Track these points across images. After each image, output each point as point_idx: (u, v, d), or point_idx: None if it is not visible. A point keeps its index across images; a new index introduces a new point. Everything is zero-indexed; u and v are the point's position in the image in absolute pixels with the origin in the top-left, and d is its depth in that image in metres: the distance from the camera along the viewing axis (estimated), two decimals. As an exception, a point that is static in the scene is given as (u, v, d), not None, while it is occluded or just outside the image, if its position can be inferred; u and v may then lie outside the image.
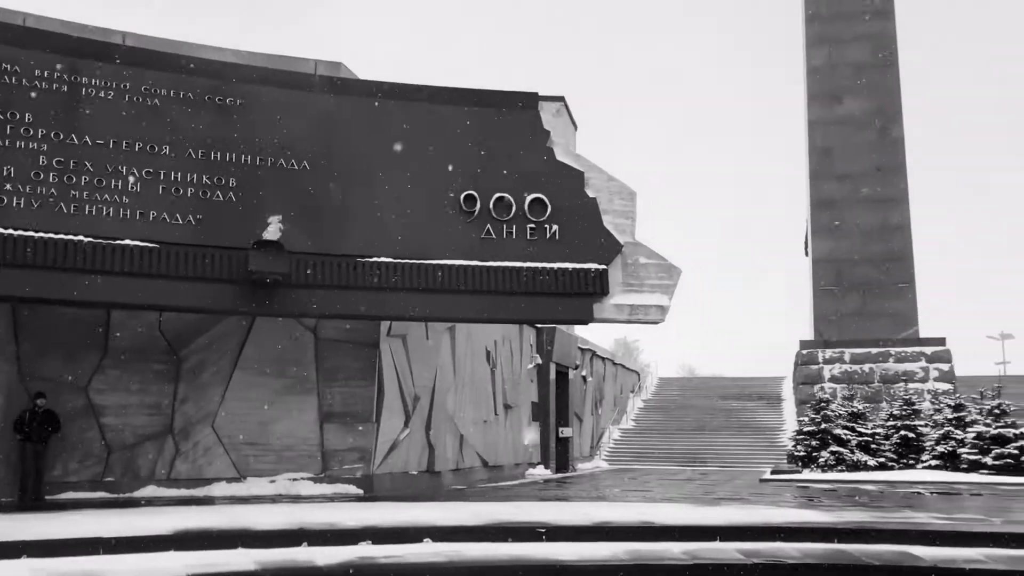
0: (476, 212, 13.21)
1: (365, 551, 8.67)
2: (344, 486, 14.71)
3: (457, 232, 13.12)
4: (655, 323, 13.69)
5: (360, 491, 14.67)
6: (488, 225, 13.24)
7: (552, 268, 13.17)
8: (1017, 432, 21.00)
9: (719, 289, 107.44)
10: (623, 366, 39.42)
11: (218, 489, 14.13)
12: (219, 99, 12.76)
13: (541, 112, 13.90)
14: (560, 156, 13.78)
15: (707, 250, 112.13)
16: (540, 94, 13.99)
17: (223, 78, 12.90)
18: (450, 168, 13.38)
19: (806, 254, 35.73)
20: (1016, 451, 20.68)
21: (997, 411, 21.73)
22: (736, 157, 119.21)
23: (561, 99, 14.16)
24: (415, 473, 16.78)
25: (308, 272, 12.37)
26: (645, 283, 13.60)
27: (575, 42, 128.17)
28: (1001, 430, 21.13)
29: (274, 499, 13.48)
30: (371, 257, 12.69)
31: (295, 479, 14.68)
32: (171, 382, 14.54)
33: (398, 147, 13.32)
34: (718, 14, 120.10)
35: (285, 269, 12.13)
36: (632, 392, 40.17)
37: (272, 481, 14.56)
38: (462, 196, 13.23)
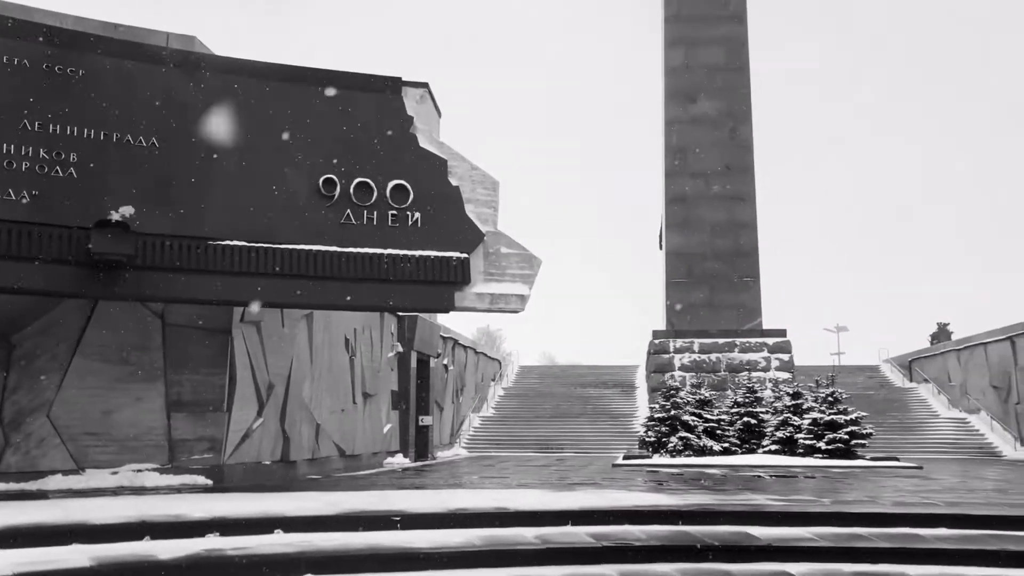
0: (336, 197, 12.95)
1: (212, 543, 8.38)
2: (192, 477, 14.16)
3: (315, 216, 12.83)
4: (515, 312, 13.83)
5: (209, 482, 14.16)
6: (348, 210, 13.01)
7: (413, 256, 13.08)
8: (848, 418, 22.52)
9: (581, 279, 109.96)
10: (485, 355, 39.73)
11: (53, 482, 13.29)
12: (59, 68, 11.93)
13: (405, 98, 13.76)
14: (423, 143, 13.69)
15: (569, 240, 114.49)
16: (404, 79, 13.85)
17: (62, 46, 12.08)
18: (309, 151, 13.05)
19: (660, 248, 37.05)
20: (846, 436, 22.17)
21: (831, 399, 23.22)
22: (598, 151, 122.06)
23: (425, 85, 14.07)
24: (269, 463, 16.36)
25: (155, 254, 11.79)
26: (506, 272, 13.71)
27: (443, 36, 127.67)
28: (834, 416, 22.60)
29: (116, 491, 12.82)
30: (223, 240, 12.23)
31: (139, 470, 14.00)
32: (1, 369, 13.58)
33: (255, 127, 12.89)
34: (587, 13, 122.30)
35: (130, 251, 11.52)
36: (493, 380, 40.56)
37: (114, 473, 13.84)
38: (321, 180, 12.93)
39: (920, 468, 20.18)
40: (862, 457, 22.13)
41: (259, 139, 12.89)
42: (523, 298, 13.64)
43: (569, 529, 9.57)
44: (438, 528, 9.37)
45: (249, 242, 12.35)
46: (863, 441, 22.50)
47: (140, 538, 8.38)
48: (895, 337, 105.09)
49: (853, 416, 22.66)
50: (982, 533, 9.37)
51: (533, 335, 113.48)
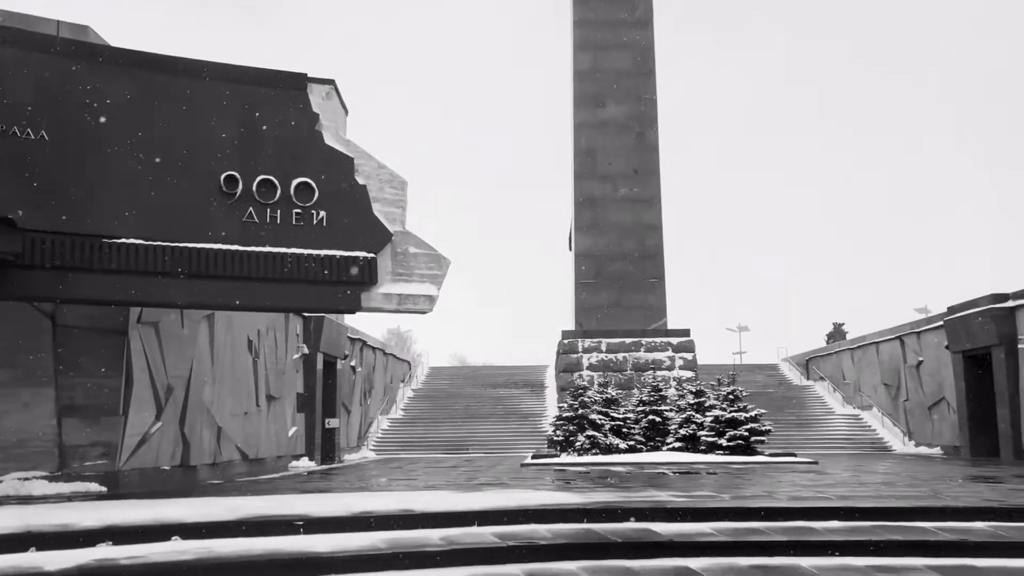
0: (238, 194, 12.62)
1: (104, 553, 8.06)
2: (85, 484, 13.60)
3: (216, 214, 12.48)
4: (423, 312, 13.75)
5: (104, 489, 13.63)
6: (251, 208, 12.70)
7: (319, 255, 12.87)
8: (748, 416, 23.17)
9: (493, 280, 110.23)
10: (394, 356, 39.41)
11: (-70, 493, 12.59)
12: (-63, 54, 11.31)
13: (310, 94, 13.51)
14: (329, 140, 13.48)
15: (481, 241, 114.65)
16: (309, 76, 13.60)
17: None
18: (210, 147, 12.69)
19: (570, 249, 37.43)
20: (746, 433, 22.81)
21: (732, 397, 23.85)
22: (509, 152, 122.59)
23: (331, 82, 13.84)
24: (167, 468, 15.84)
25: (44, 252, 11.28)
26: (415, 273, 13.61)
27: (349, 35, 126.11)
28: (735, 414, 23.22)
29: (0, 501, 12.20)
30: (118, 238, 11.78)
31: (26, 478, 13.37)
32: None
33: (152, 121, 12.45)
34: (500, 17, 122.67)
35: (16, 248, 11.00)
36: (403, 382, 40.26)
37: (-2, 481, 13.19)
38: (222, 177, 12.58)
39: (816, 463, 20.92)
40: (761, 453, 22.80)
41: (157, 133, 12.45)
42: (431, 298, 13.57)
43: (475, 530, 9.57)
44: (342, 532, 9.24)
45: (145, 240, 11.94)
46: (762, 438, 23.19)
47: (25, 549, 8.00)
48: (794, 336, 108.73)
49: (753, 413, 23.33)
50: (871, 524, 9.76)
51: (445, 336, 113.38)
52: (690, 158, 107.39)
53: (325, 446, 25.90)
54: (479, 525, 9.71)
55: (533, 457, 23.52)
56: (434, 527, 9.55)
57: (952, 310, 27.07)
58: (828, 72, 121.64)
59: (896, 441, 31.74)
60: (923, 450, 29.51)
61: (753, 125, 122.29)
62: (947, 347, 27.25)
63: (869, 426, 33.93)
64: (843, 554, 8.87)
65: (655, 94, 36.56)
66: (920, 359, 30.50)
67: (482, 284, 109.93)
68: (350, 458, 27.90)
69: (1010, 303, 24.29)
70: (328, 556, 8.24)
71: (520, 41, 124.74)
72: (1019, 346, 23.70)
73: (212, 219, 12.43)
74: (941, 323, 27.81)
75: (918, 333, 30.77)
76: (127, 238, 11.84)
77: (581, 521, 9.99)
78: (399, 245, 13.47)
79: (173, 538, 8.69)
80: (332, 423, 26.22)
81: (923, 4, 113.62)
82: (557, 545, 8.94)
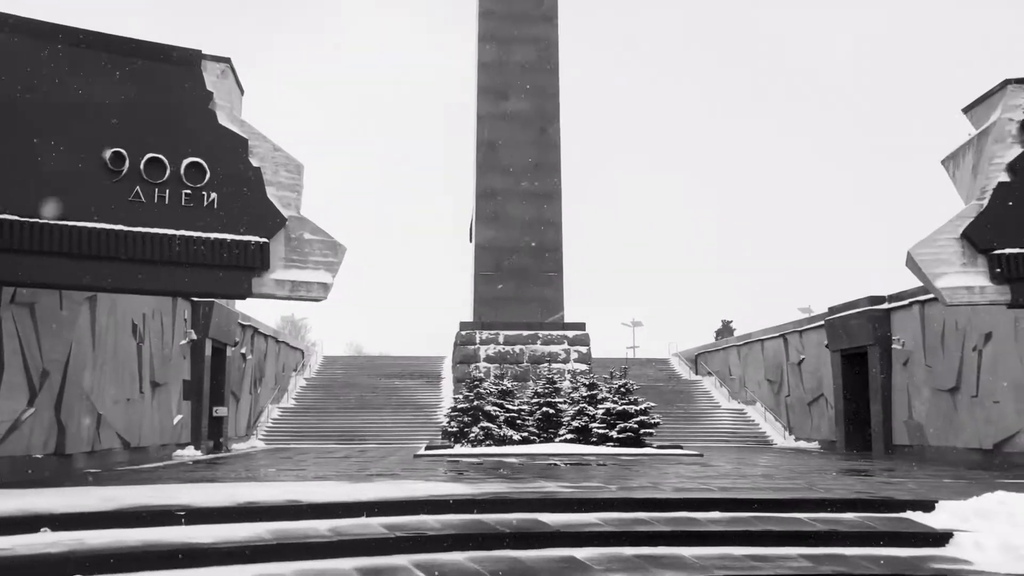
0: (124, 172, 12.09)
1: (-36, 546, 7.63)
2: (-53, 474, 12.84)
3: (100, 192, 11.92)
4: (317, 300, 13.49)
5: (-32, 478, 12.89)
6: (138, 187, 12.19)
7: (208, 238, 12.47)
8: (638, 409, 23.72)
9: (392, 270, 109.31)
10: (287, 344, 38.59)
11: None
12: None
13: (204, 72, 13.06)
14: (223, 120, 13.06)
15: (381, 231, 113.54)
16: (204, 52, 13.15)
17: None
18: (96, 121, 12.11)
19: (470, 241, 37.47)
20: (636, 425, 23.36)
21: (623, 390, 24.36)
22: (411, 140, 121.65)
23: (227, 61, 13.41)
24: (40, 456, 15.08)
25: (-93, 225, 10.57)
26: (309, 259, 13.34)
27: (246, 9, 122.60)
28: (625, 406, 23.73)
29: None
30: (-8, 213, 11.14)
31: None
32: None
33: (32, 92, 11.81)
34: (407, 5, 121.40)
35: None
36: (295, 371, 39.48)
37: None
38: (108, 153, 12.03)
39: (701, 456, 21.57)
40: (650, 445, 23.38)
41: (37, 105, 11.82)
42: (326, 286, 13.33)
43: (364, 520, 9.48)
44: (225, 523, 9.01)
45: (21, 216, 11.33)
46: (651, 430, 23.79)
47: None
48: (686, 332, 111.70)
49: (643, 407, 23.89)
50: (750, 515, 10.14)
51: (342, 326, 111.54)
52: (590, 153, 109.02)
53: (212, 435, 25.18)
54: (368, 516, 9.62)
55: (427, 448, 23.46)
56: (322, 518, 9.42)
57: (832, 311, 28.31)
58: (727, 69, 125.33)
59: (777, 435, 33.01)
60: (802, 444, 30.79)
61: (653, 122, 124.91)
62: (827, 346, 28.48)
63: (753, 420, 35.18)
64: (723, 544, 9.18)
65: (558, 90, 36.89)
66: (802, 357, 31.80)
67: (381, 274, 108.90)
68: (238, 447, 27.21)
69: (885, 305, 25.56)
70: (210, 547, 8.02)
71: (428, 32, 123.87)
72: (893, 346, 24.98)
73: (95, 197, 11.87)
74: (822, 323, 29.05)
75: (800, 332, 32.07)
76: (3, 214, 11.20)
77: (471, 512, 10.01)
78: (293, 231, 13.18)
79: (42, 529, 8.31)
80: (220, 411, 25.51)
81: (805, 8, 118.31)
82: (446, 536, 8.94)
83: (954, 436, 22.09)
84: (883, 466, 18.38)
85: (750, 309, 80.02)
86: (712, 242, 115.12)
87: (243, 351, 29.40)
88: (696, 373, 43.59)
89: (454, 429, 24.11)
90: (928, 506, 10.29)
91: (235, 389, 28.40)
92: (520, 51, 36.81)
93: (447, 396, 35.06)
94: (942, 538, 9.27)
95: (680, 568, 8.33)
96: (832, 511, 10.40)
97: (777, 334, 34.37)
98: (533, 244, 35.59)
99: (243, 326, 29.15)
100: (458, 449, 22.76)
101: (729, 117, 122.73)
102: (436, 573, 7.95)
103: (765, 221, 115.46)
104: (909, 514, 10.19)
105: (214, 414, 25.16)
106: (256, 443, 29.58)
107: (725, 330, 53.45)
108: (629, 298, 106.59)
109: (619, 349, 60.19)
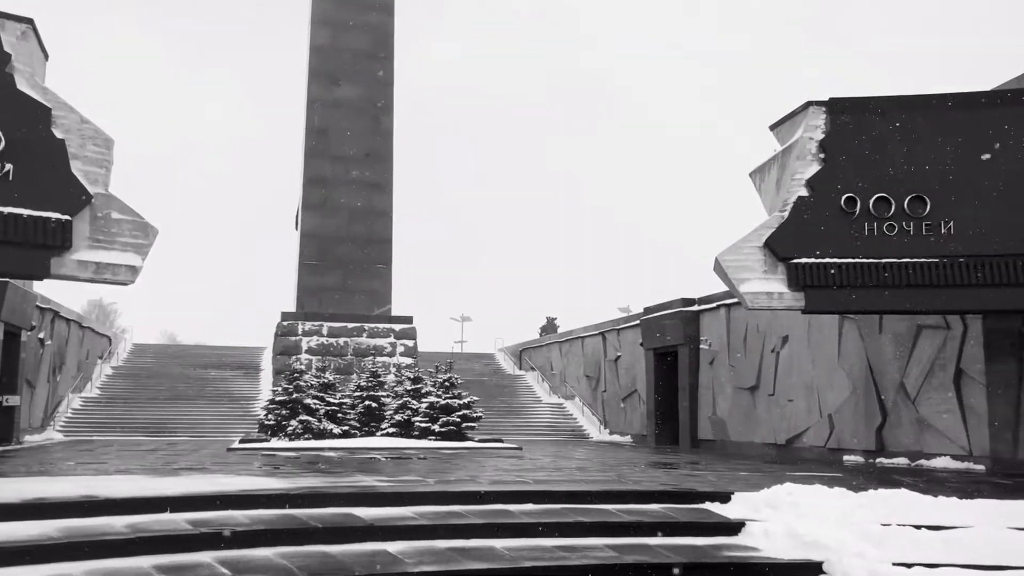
0: (-98, 135, 10.94)
1: None
2: None
3: None
4: (124, 284, 12.73)
5: None
6: (-82, 153, 11.06)
7: (2, 212, 11.49)
8: (461, 403, 23.89)
9: (212, 256, 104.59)
10: (92, 329, 36.16)
11: None
12: None
13: (2, 31, 12.02)
14: (23, 86, 12.07)
15: (201, 215, 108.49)
16: (2, 10, 12.09)
17: None
18: None
19: (296, 228, 36.46)
20: (459, 419, 23.52)
21: (448, 384, 24.46)
22: (233, 121, 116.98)
23: (30, 21, 12.39)
24: None
25: None
26: (116, 240, 12.56)
27: None
28: (449, 400, 23.84)
29: None
30: None
31: None
32: None
33: None
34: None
35: None
36: (101, 358, 37.07)
37: None
38: None
39: (520, 449, 22.01)
40: (472, 439, 23.61)
41: None
42: (134, 269, 12.61)
43: (166, 516, 9.03)
44: (10, 520, 8.32)
45: None
46: (474, 424, 24.03)
47: None
48: (514, 328, 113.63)
49: (466, 400, 24.08)
50: (561, 507, 10.43)
51: (155, 312, 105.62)
52: (424, 146, 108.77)
53: (2, 426, 23.22)
54: (172, 512, 9.16)
55: (241, 441, 22.64)
56: (120, 514, 8.88)
57: (648, 311, 29.65)
58: (566, 68, 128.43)
59: (594, 429, 34.21)
60: (616, 438, 32.06)
61: (490, 118, 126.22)
62: (641, 344, 29.80)
63: (571, 415, 36.28)
64: (534, 535, 9.40)
65: (392, 79, 36.52)
66: (619, 354, 33.11)
67: (200, 259, 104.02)
68: (33, 439, 25.23)
69: (696, 307, 27.04)
70: (-12, 548, 7.38)
71: (258, 12, 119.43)
72: (701, 346, 26.47)
73: None
74: (639, 322, 30.36)
75: (618, 330, 33.37)
76: None
77: (283, 507, 9.75)
78: (100, 209, 12.37)
79: None
80: (11, 400, 23.55)
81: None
82: (254, 531, 8.66)
83: (752, 432, 23.68)
84: (688, 459, 19.43)
85: (576, 308, 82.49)
86: (543, 239, 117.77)
87: (41, 336, 27.28)
88: (520, 368, 44.45)
89: (271, 422, 23.39)
90: (725, 497, 10.94)
91: (30, 377, 26.32)
92: (355, 37, 36.15)
93: (266, 388, 33.98)
94: (736, 527, 9.88)
95: (491, 560, 8.46)
96: (639, 503, 10.85)
97: (597, 332, 35.60)
98: (362, 235, 35.08)
99: (42, 309, 27.07)
100: (275, 443, 22.10)
101: (565, 117, 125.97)
102: (242, 570, 7.68)
103: (595, 222, 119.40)
104: (708, 505, 10.79)
105: (4, 403, 23.21)
106: (53, 435, 27.55)
107: (549, 327, 54.85)
108: (459, 293, 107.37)
109: (447, 344, 60.49)
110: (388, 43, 36.63)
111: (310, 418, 23.03)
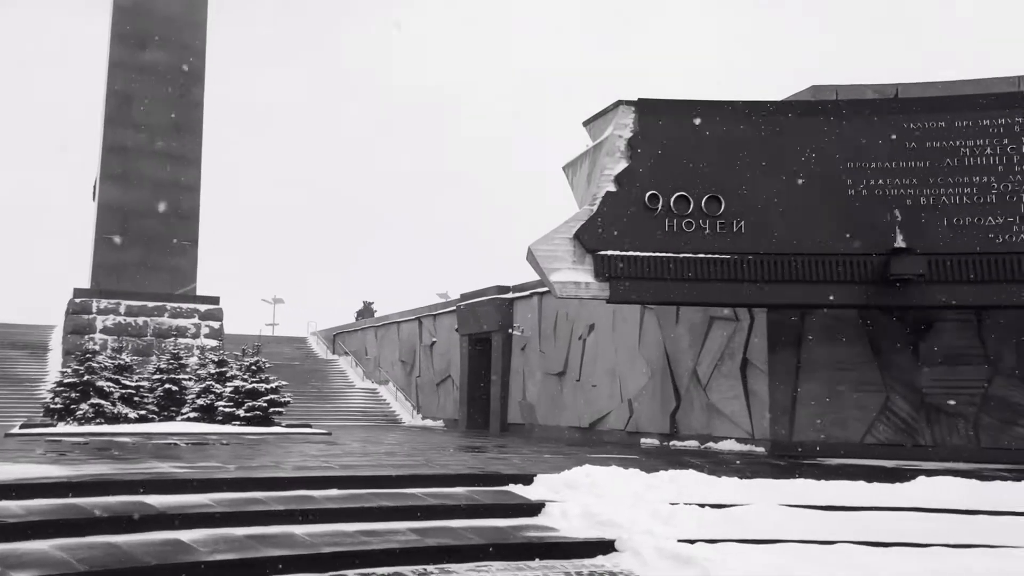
0: None
1: None
2: None
3: None
4: None
5: None
6: None
7: None
8: (269, 387, 23.22)
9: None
10: None
11: None
12: None
13: None
14: None
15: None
16: None
17: None
18: None
19: (93, 199, 34.08)
20: (265, 404, 22.85)
21: (255, 367, 23.70)
22: (29, 85, 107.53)
23: None
24: None
25: None
26: None
27: None
28: (256, 385, 23.10)
29: None
30: None
31: None
32: None
33: None
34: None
35: None
36: None
37: None
38: None
39: (329, 434, 21.68)
40: (279, 424, 23.02)
41: None
42: None
43: (-75, 510, 8.21)
44: None
45: None
46: (281, 409, 23.42)
47: None
48: (330, 312, 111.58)
49: (274, 385, 23.43)
50: (366, 492, 10.37)
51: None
52: (241, 122, 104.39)
53: None
54: (-68, 504, 8.36)
55: (22, 426, 20.96)
56: None
57: (464, 297, 29.97)
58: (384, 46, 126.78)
59: (407, 414, 34.25)
60: (428, 423, 32.26)
61: (308, 99, 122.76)
62: (457, 330, 30.10)
63: (384, 400, 36.13)
64: (336, 521, 9.30)
65: (204, 46, 34.80)
66: (434, 339, 33.27)
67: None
68: None
69: (510, 295, 27.62)
70: None
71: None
72: (513, 332, 27.06)
73: None
74: (455, 308, 30.63)
75: (435, 316, 33.54)
76: None
77: (66, 496, 9.11)
78: None
79: None
80: None
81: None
82: (30, 523, 8.03)
83: (559, 415, 24.52)
84: (497, 443, 19.85)
85: (395, 292, 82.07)
86: (363, 222, 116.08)
87: None
88: (333, 353, 43.75)
89: (59, 406, 21.80)
90: (528, 479, 11.25)
91: None
92: (165, 1, 34.12)
93: (54, 370, 31.55)
94: (536, 508, 10.20)
95: (290, 546, 8.29)
96: (444, 486, 10.97)
97: (413, 317, 35.61)
98: (167, 209, 33.27)
99: None
100: (62, 428, 20.63)
101: (379, 104, 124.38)
102: (12, 565, 7.12)
103: (413, 202, 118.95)
104: (511, 487, 11.07)
105: None
106: None
107: (366, 311, 54.22)
108: (272, 275, 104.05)
109: (258, 326, 58.54)
110: (202, 9, 34.87)
111: (103, 401, 21.66)
